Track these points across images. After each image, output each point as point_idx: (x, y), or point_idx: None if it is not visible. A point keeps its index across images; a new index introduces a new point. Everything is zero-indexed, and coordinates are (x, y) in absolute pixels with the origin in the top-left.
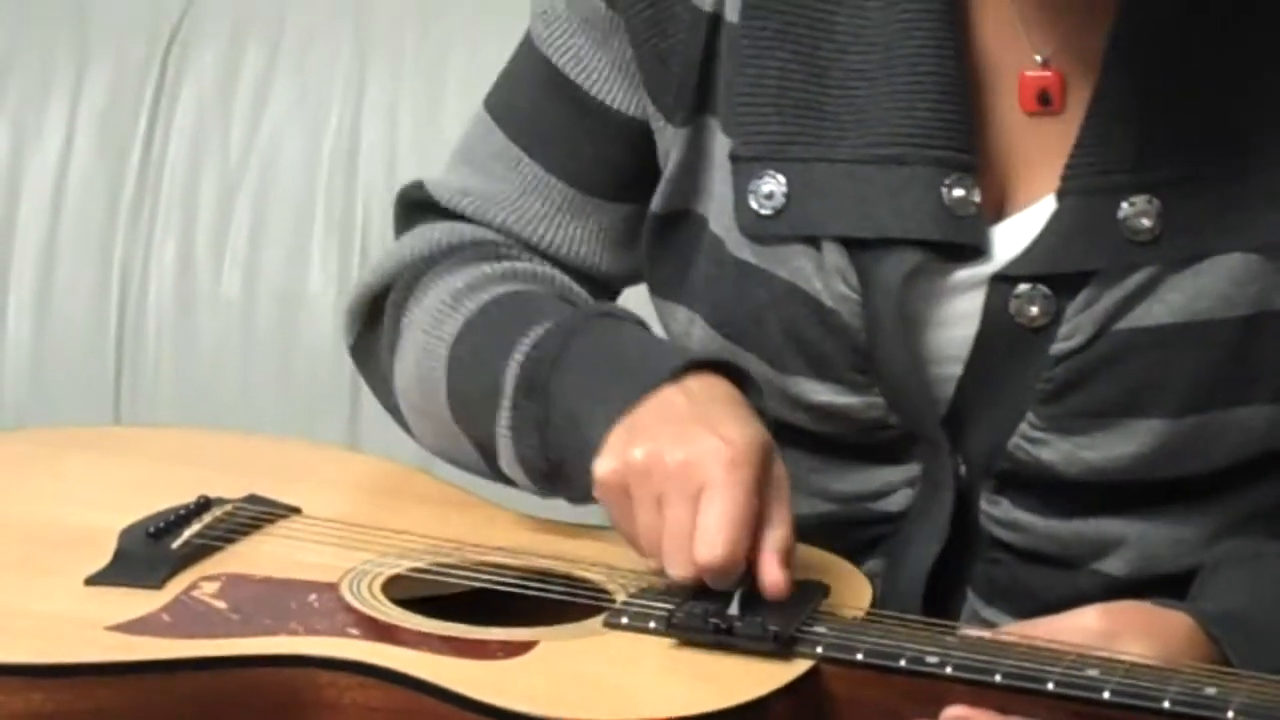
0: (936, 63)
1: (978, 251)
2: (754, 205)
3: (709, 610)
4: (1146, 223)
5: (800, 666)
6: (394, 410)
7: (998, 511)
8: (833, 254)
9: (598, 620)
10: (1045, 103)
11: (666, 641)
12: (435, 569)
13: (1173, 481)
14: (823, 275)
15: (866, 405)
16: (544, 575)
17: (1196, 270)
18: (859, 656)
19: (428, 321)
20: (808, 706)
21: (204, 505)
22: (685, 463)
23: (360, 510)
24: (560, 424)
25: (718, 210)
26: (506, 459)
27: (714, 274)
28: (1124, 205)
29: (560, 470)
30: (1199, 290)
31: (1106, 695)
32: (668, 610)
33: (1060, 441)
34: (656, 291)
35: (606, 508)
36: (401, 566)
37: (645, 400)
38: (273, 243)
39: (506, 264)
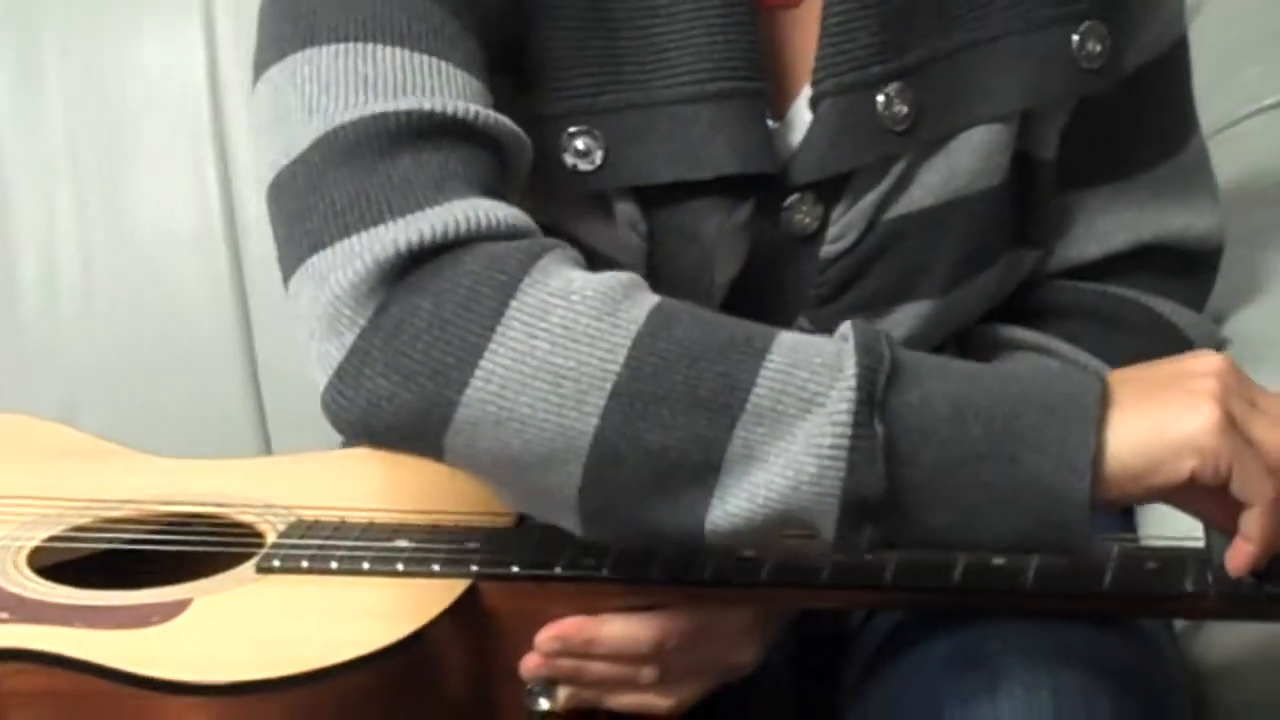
0: None
1: (769, 179)
2: (571, 162)
3: None
4: (902, 110)
5: (458, 588)
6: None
7: None
8: (626, 208)
9: (251, 565)
10: None
11: (320, 580)
12: (74, 534)
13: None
14: (607, 228)
15: None
16: (193, 521)
17: (949, 149)
18: (514, 569)
19: (586, 305)
20: (471, 626)
21: None
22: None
23: None
24: (923, 444)
25: None
26: (797, 483)
27: None
28: (880, 97)
29: (892, 498)
30: (954, 169)
31: (824, 575)
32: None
33: None
34: None
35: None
36: (37, 537)
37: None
38: None
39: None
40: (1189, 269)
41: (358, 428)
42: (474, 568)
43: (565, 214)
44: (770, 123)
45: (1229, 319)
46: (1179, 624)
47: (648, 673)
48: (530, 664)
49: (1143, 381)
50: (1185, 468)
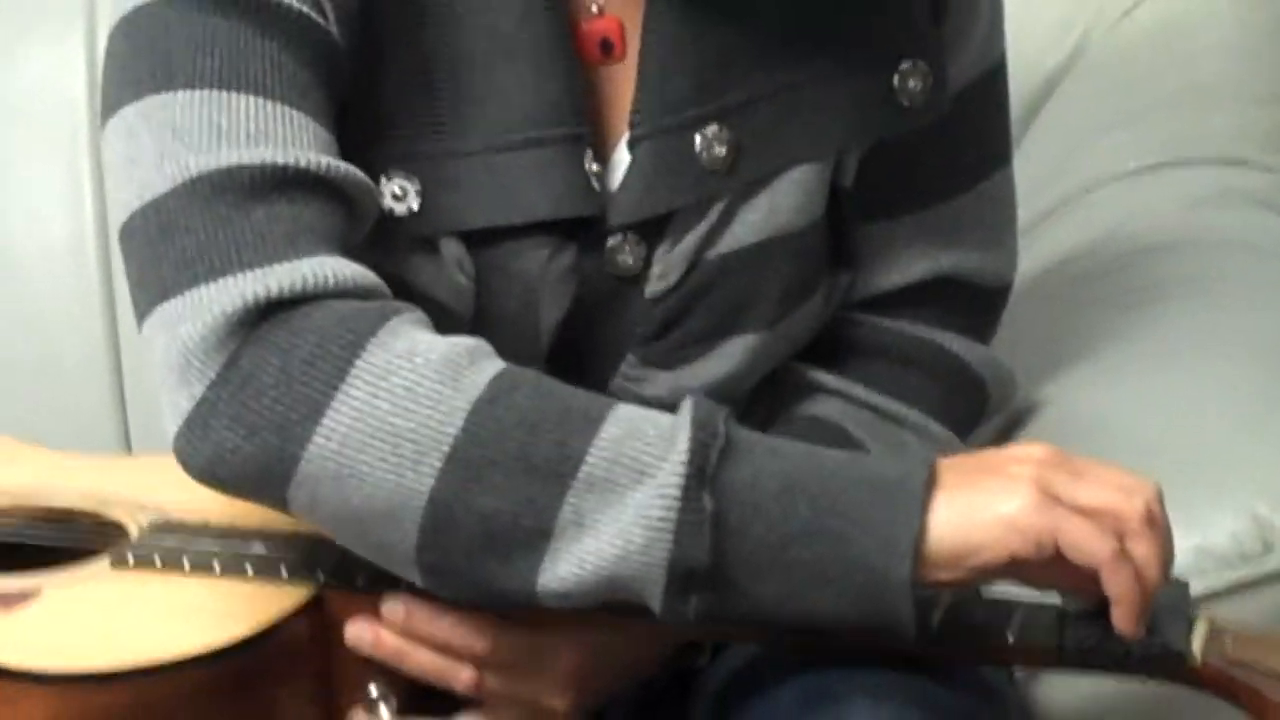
0: (557, 39)
1: (593, 222)
2: (389, 206)
3: None
4: (721, 151)
5: (301, 595)
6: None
7: None
8: (451, 247)
9: (106, 560)
10: (608, 50)
11: (170, 578)
12: None
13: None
14: (435, 270)
15: None
16: (66, 516)
17: (771, 189)
18: (359, 582)
19: (428, 370)
20: (314, 634)
21: None
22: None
23: None
24: (753, 519)
25: None
26: (625, 553)
27: None
28: (698, 139)
29: (719, 572)
30: (774, 207)
31: None
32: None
33: (662, 375)
34: None
35: (1041, 530)
36: None
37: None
38: None
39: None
40: (979, 303)
41: (205, 476)
42: (321, 576)
43: (394, 258)
44: (593, 166)
45: (1052, 383)
46: (1019, 673)
47: (466, 675)
48: (356, 630)
49: (967, 467)
50: (1005, 548)
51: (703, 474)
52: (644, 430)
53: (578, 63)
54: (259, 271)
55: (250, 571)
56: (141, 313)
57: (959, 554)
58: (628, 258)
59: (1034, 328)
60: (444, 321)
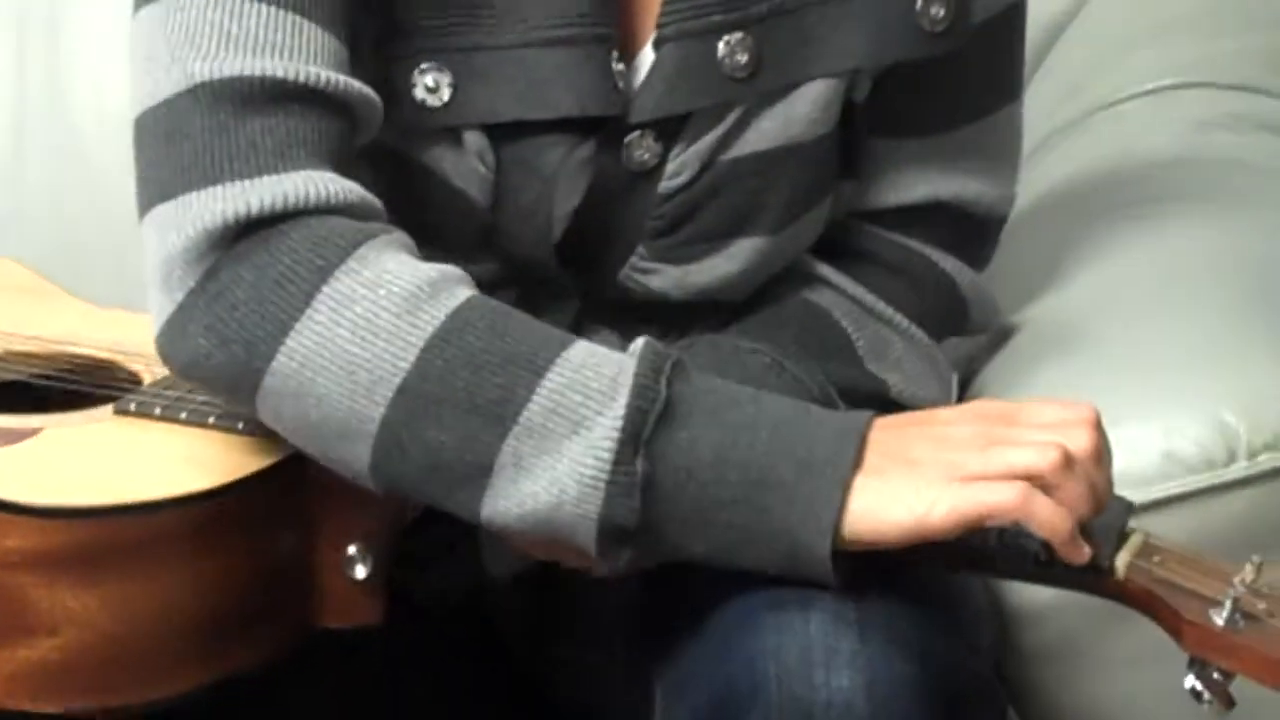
0: None
1: (615, 121)
2: (420, 98)
3: None
4: (743, 58)
5: (284, 449)
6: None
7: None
8: (474, 139)
9: (110, 406)
10: None
11: (167, 427)
12: None
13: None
14: (456, 159)
15: (482, 271)
16: (87, 363)
17: (788, 99)
18: None
19: (390, 302)
20: (296, 487)
21: None
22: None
23: None
24: (684, 484)
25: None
26: (559, 502)
27: None
28: (720, 45)
29: (649, 530)
30: (791, 117)
31: None
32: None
33: (670, 269)
34: None
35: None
36: None
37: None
38: None
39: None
40: (973, 231)
41: (183, 375)
42: None
43: (416, 145)
44: (618, 65)
45: (1047, 291)
46: None
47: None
48: None
49: (892, 449)
50: (918, 537)
51: (638, 438)
52: (586, 381)
53: None
54: (246, 183)
55: (240, 426)
56: (140, 208)
57: (875, 538)
58: (644, 154)
59: (1040, 236)
60: (461, 208)
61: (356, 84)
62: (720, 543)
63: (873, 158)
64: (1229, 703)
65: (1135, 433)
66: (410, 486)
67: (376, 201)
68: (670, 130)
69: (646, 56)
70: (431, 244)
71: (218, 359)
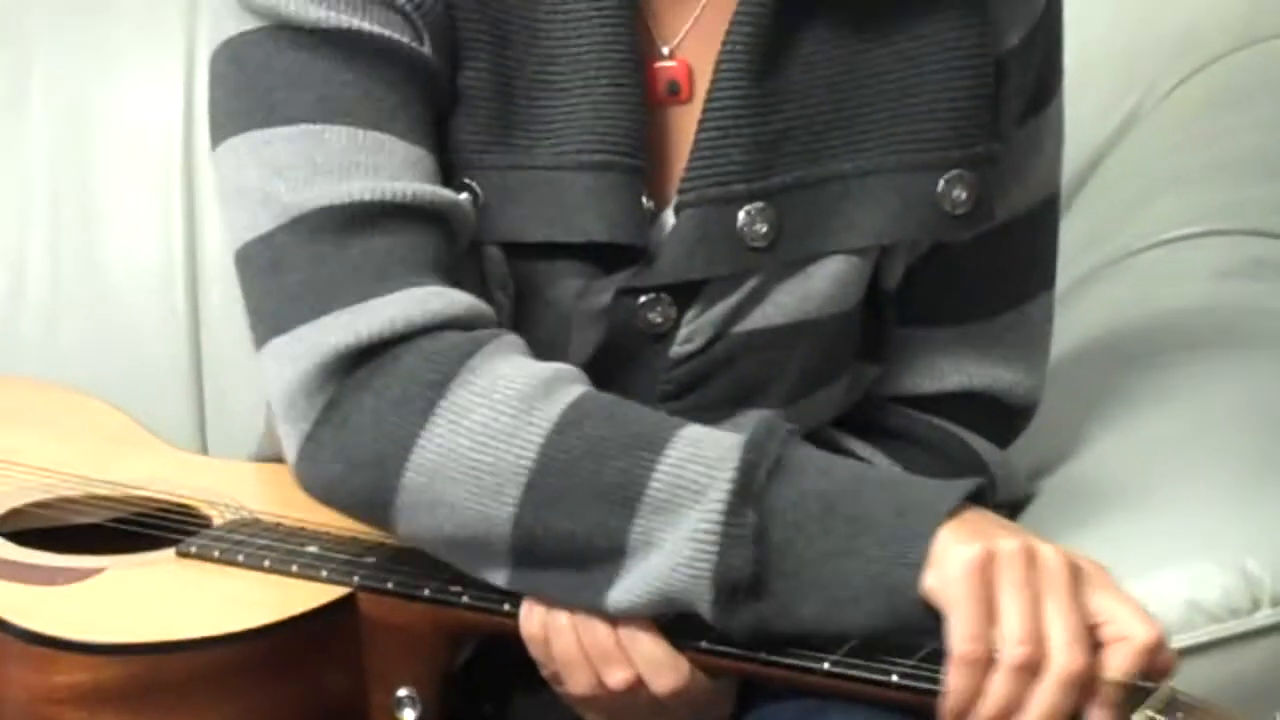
0: (631, 73)
1: (635, 256)
2: None
3: None
4: (762, 229)
5: (334, 594)
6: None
7: None
8: (495, 263)
9: (173, 549)
10: (674, 92)
11: (224, 570)
12: (53, 503)
13: None
14: (477, 283)
15: None
16: (166, 508)
17: (806, 274)
18: (389, 585)
19: (505, 405)
20: (345, 631)
21: None
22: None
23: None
24: (795, 535)
25: None
26: (675, 566)
27: None
28: (741, 214)
29: (762, 585)
30: (808, 292)
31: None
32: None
33: None
34: None
35: (957, 595)
36: (20, 502)
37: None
38: None
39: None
40: (1004, 417)
41: (322, 501)
42: (356, 579)
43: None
44: (648, 202)
45: (1072, 438)
46: None
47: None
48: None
49: (996, 523)
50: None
51: (748, 491)
52: (703, 453)
53: (647, 99)
54: (353, 311)
55: (295, 569)
56: (257, 341)
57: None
58: (658, 316)
59: (1065, 383)
60: None
61: (445, 191)
62: (828, 599)
63: (904, 345)
64: None
65: (1159, 582)
66: (544, 581)
67: (485, 307)
68: (686, 295)
69: (667, 219)
70: None
71: (352, 483)
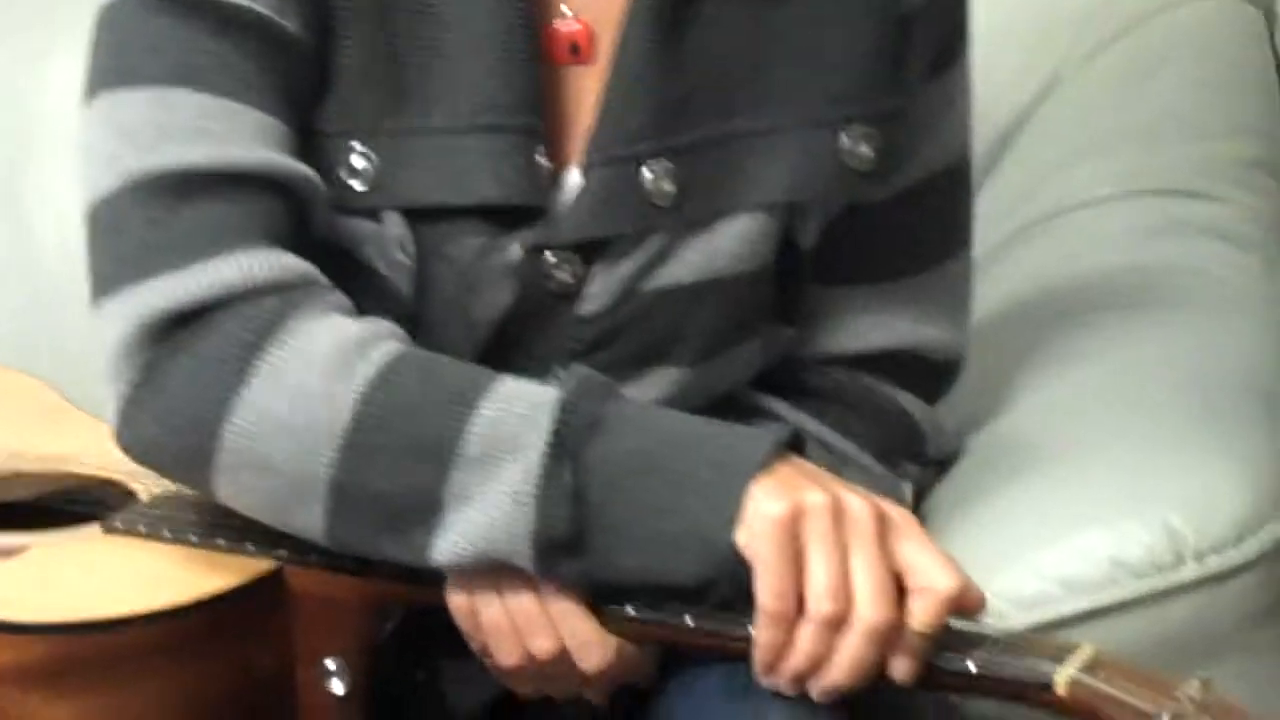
0: (526, 34)
1: (535, 215)
2: (345, 179)
3: None
4: (667, 186)
5: (261, 568)
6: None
7: None
8: (394, 222)
9: (98, 525)
10: (575, 52)
11: (150, 545)
12: None
13: None
14: (379, 244)
15: None
16: (94, 484)
17: (713, 231)
18: (313, 557)
19: (321, 365)
20: (272, 605)
21: None
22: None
23: None
24: (613, 494)
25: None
26: (494, 523)
27: None
28: (645, 172)
29: (582, 541)
30: (715, 250)
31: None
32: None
33: None
34: None
35: (763, 552)
36: None
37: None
38: None
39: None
40: (930, 374)
41: (143, 463)
42: (282, 551)
43: (342, 228)
44: (543, 160)
45: (995, 399)
46: None
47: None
48: None
49: (809, 473)
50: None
51: (563, 449)
52: (517, 408)
53: (543, 60)
54: (179, 274)
55: (221, 543)
56: (92, 302)
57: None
58: (565, 275)
59: (992, 341)
60: (386, 299)
61: (292, 162)
62: (650, 555)
63: (823, 304)
64: None
65: (1083, 539)
66: (363, 540)
67: (315, 272)
68: (593, 254)
69: (572, 179)
70: None
71: (170, 445)
